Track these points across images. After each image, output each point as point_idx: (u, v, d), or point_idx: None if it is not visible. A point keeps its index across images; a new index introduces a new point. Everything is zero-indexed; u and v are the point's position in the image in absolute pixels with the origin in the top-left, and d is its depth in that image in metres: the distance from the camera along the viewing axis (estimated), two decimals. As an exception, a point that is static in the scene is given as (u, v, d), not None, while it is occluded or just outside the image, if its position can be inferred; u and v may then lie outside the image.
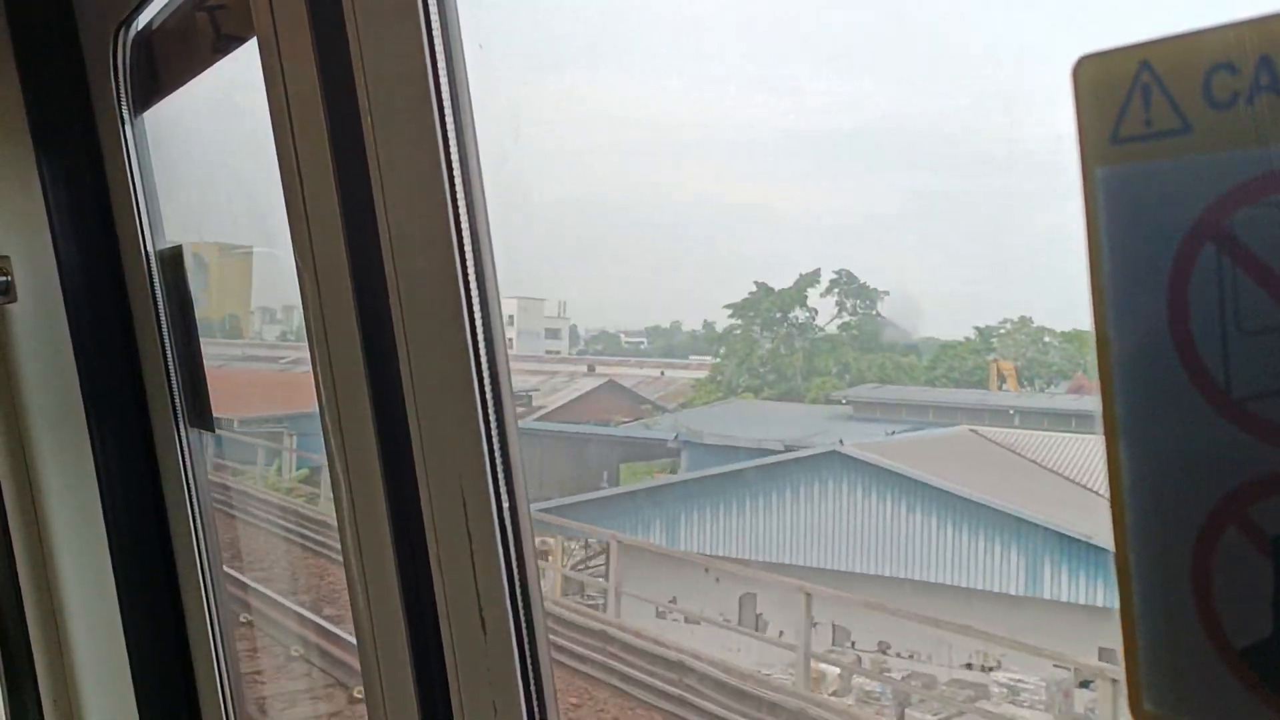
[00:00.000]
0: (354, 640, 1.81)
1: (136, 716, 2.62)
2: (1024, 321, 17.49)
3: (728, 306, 21.63)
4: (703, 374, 23.58)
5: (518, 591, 1.52)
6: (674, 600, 15.69)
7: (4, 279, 2.43)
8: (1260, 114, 0.62)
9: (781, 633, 13.95)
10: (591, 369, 24.72)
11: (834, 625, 13.94)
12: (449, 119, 1.47)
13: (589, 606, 15.66)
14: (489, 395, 1.52)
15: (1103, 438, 0.73)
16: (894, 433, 16.90)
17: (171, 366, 2.46)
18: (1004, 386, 17.36)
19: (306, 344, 1.79)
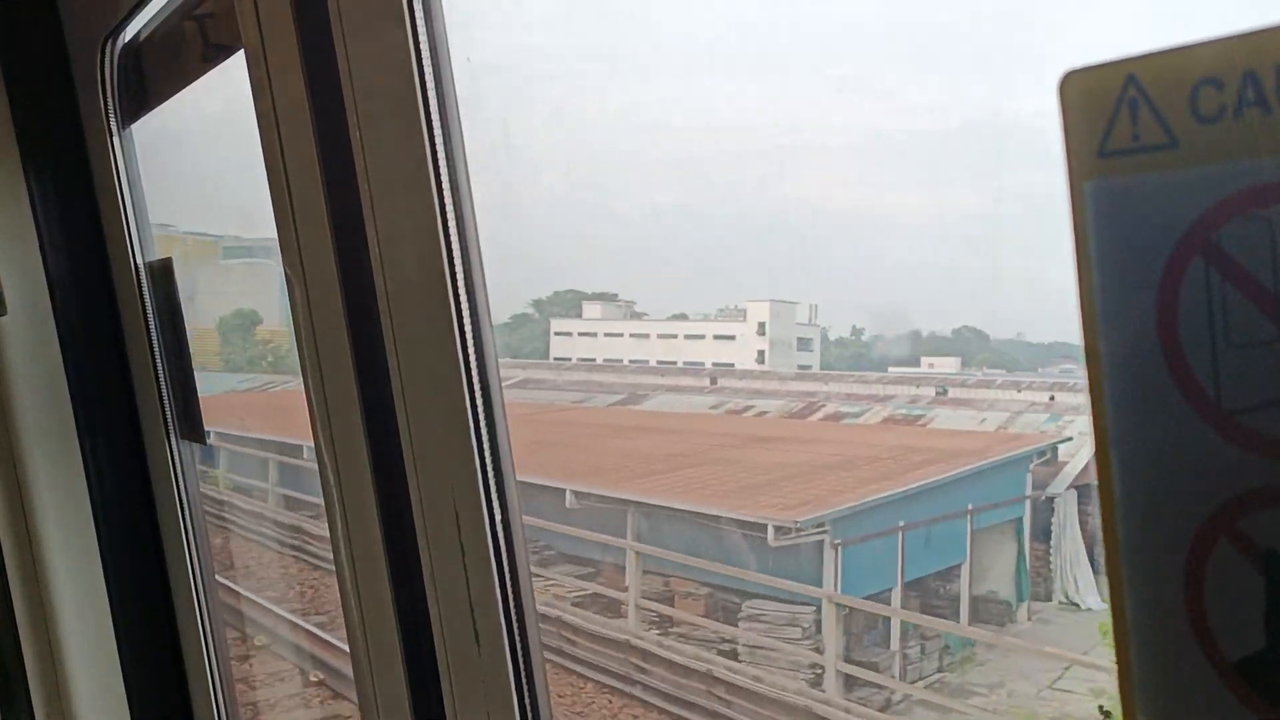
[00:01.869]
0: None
1: (130, 730, 2.61)
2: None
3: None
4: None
5: (511, 602, 1.51)
6: None
7: (-7, 292, 2.43)
8: (1247, 128, 0.62)
9: None
10: (943, 392, 18.93)
11: None
12: (437, 128, 1.47)
13: None
14: (480, 405, 1.52)
15: (1093, 451, 0.73)
16: None
17: (162, 378, 2.45)
18: None
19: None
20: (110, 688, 2.60)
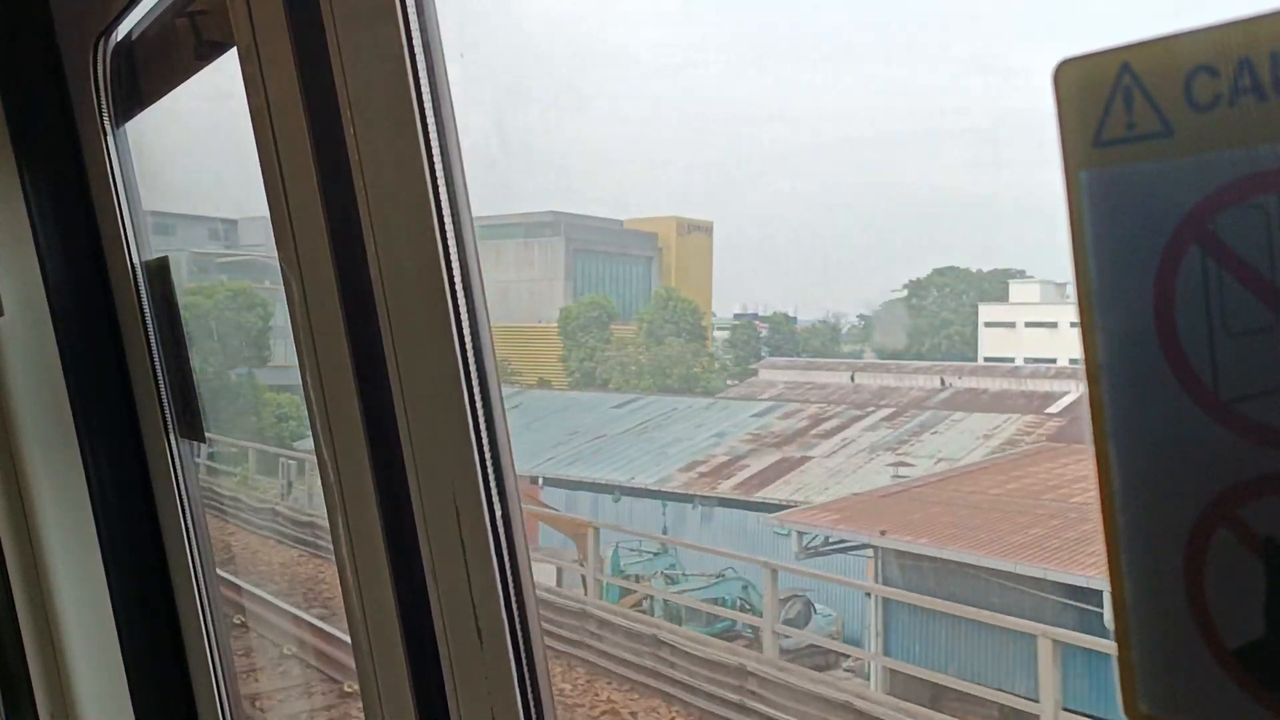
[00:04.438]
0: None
1: (135, 729, 2.62)
2: None
3: None
4: None
5: (513, 598, 1.52)
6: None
7: (-10, 293, 2.42)
8: (1242, 116, 0.62)
9: None
10: None
11: None
12: (431, 122, 1.47)
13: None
14: (479, 400, 1.52)
15: (1091, 439, 0.73)
16: None
17: (161, 377, 2.45)
18: None
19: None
20: (113, 686, 2.60)
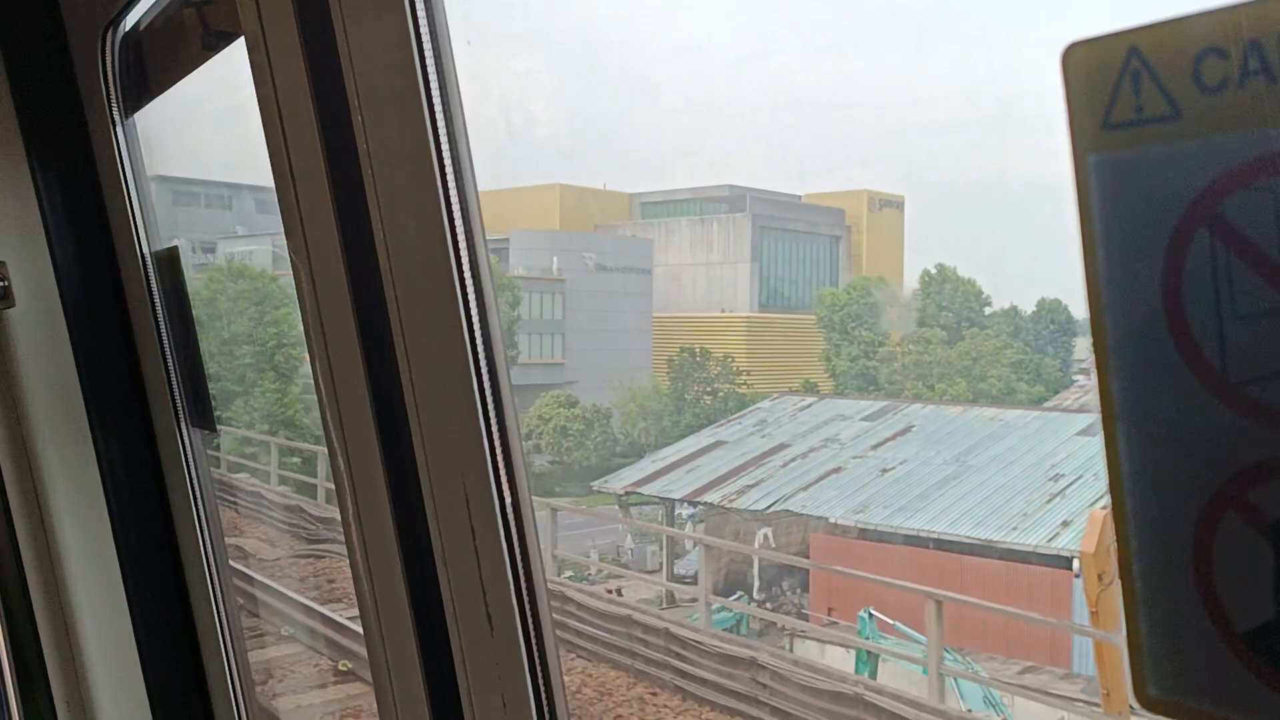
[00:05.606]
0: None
1: (149, 716, 2.64)
2: None
3: None
4: None
5: (523, 585, 1.52)
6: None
7: (1, 284, 2.43)
8: (1251, 98, 0.61)
9: None
10: None
11: None
12: (439, 110, 1.47)
13: None
14: (488, 388, 1.52)
15: (1100, 424, 0.73)
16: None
17: (171, 366, 2.46)
18: None
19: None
20: (128, 674, 2.62)
